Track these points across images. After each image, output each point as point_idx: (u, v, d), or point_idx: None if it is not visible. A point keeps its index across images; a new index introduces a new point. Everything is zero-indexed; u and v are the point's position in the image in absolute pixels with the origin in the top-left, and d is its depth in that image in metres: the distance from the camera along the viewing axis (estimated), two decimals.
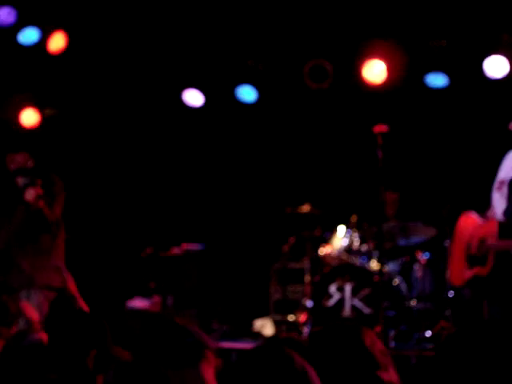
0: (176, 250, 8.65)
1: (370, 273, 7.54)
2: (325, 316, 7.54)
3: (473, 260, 5.09)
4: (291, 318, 8.29)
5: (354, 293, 7.55)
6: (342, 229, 7.98)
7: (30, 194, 5.48)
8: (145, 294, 8.37)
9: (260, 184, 9.31)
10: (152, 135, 9.20)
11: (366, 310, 7.46)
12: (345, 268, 7.72)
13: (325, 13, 8.46)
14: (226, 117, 9.19)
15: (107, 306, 7.76)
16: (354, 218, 7.99)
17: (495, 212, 5.09)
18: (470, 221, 5.27)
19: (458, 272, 5.34)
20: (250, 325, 8.37)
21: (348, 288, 7.58)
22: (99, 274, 8.59)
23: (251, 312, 8.62)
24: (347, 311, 7.52)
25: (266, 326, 8.31)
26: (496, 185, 5.11)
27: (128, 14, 8.35)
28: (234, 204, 9.28)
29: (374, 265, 7.60)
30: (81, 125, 8.89)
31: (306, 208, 8.17)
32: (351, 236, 7.91)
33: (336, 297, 7.59)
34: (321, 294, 7.65)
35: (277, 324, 8.35)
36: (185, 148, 9.32)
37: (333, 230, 8.05)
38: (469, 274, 5.13)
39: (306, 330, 7.57)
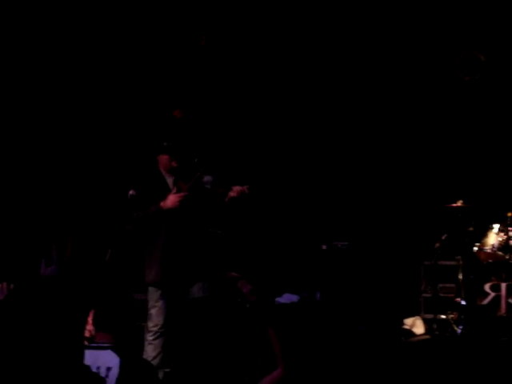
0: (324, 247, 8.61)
1: None
2: (479, 315, 7.30)
3: None
4: (443, 316, 8.05)
5: (511, 292, 7.26)
6: (497, 225, 7.68)
7: None
8: (294, 291, 8.38)
9: (412, 180, 9.14)
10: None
11: None
12: (500, 266, 7.43)
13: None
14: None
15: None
16: (510, 214, 7.68)
17: None
18: None
19: None
20: (401, 323, 8.20)
21: (504, 286, 7.29)
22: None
23: (402, 310, 8.44)
24: (503, 310, 7.23)
25: (416, 325, 8.12)
26: None
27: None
28: (385, 200, 9.14)
29: None
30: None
31: (459, 204, 7.92)
32: (507, 233, 7.60)
33: (491, 295, 7.32)
34: (475, 293, 7.40)
35: (427, 322, 8.14)
36: (332, 144, 9.28)
37: (488, 227, 7.77)
38: None
39: (458, 329, 7.32)
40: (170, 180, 6.12)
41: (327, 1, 9.07)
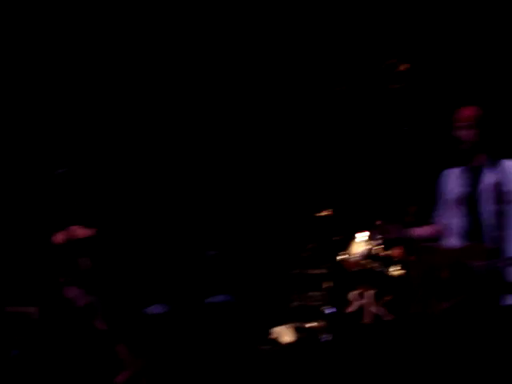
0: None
1: (392, 279, 7.37)
2: (345, 323, 7.38)
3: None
4: (310, 325, 8.11)
5: (375, 299, 7.38)
6: (362, 235, 7.81)
7: None
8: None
9: (280, 189, 9.19)
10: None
11: (388, 317, 7.27)
12: (366, 274, 7.55)
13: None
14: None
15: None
16: (376, 224, 7.80)
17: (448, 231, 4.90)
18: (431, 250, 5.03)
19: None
20: (269, 332, 8.22)
21: (368, 295, 7.40)
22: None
23: (270, 319, 8.46)
24: (368, 318, 7.34)
25: (284, 333, 8.15)
26: (449, 203, 4.93)
27: None
28: (253, 209, 9.15)
29: (396, 271, 7.42)
30: None
31: (326, 213, 8.02)
32: (373, 242, 7.74)
33: (356, 303, 7.42)
34: (341, 301, 7.49)
35: (295, 331, 8.18)
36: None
37: (354, 236, 7.89)
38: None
39: (324, 337, 7.38)
40: None
41: None
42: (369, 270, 7.58)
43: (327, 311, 7.53)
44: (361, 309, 7.40)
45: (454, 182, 5.01)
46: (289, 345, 8.01)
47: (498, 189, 4.79)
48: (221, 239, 8.85)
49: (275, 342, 7.99)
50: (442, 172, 5.16)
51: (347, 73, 8.93)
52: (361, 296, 7.40)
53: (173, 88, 8.92)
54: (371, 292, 7.40)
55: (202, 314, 7.83)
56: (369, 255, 7.68)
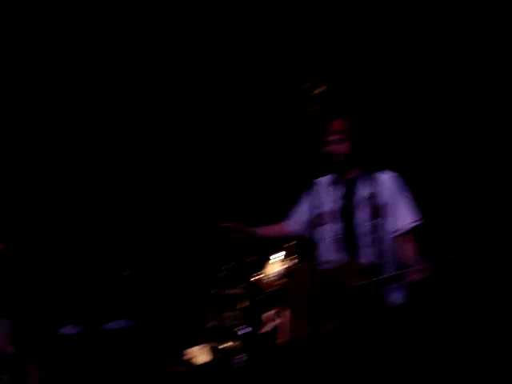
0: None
1: None
2: (260, 343, 7.39)
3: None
4: (226, 345, 8.10)
5: (290, 320, 7.38)
6: (278, 255, 7.85)
7: None
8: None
9: (199, 208, 9.17)
10: None
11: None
12: (281, 294, 7.56)
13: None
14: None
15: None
16: (291, 244, 7.86)
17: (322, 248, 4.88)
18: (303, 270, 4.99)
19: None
20: (185, 353, 8.17)
21: (283, 315, 7.41)
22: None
23: (185, 340, 8.42)
24: (283, 338, 7.34)
25: (200, 354, 8.12)
26: (323, 216, 4.89)
27: None
28: (167, 230, 9.11)
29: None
30: None
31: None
32: (287, 262, 7.77)
33: (271, 324, 7.43)
34: (256, 321, 7.49)
35: (211, 352, 8.16)
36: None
37: (269, 256, 7.92)
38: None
39: (239, 357, 7.37)
40: None
41: None
42: (284, 290, 7.60)
43: (242, 331, 7.53)
44: (276, 329, 7.42)
45: (326, 194, 4.96)
46: (203, 365, 7.99)
47: (373, 202, 4.76)
48: (135, 260, 8.77)
49: (190, 363, 7.94)
50: (312, 181, 5.12)
51: (263, 95, 9.00)
52: (276, 316, 7.42)
53: None
54: (286, 312, 7.43)
55: (105, 338, 7.74)
56: (284, 275, 7.72)
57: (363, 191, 4.76)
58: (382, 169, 4.88)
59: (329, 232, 4.83)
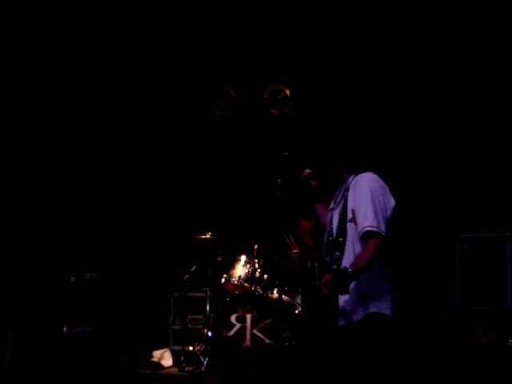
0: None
1: (271, 302, 7.42)
2: (225, 346, 7.37)
3: None
4: (191, 348, 8.09)
5: (255, 323, 7.40)
6: (243, 257, 7.85)
7: None
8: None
9: (161, 211, 9.15)
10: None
11: (267, 341, 7.31)
12: (246, 297, 7.57)
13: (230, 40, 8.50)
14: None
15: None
16: (256, 247, 7.88)
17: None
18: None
19: None
20: (150, 356, 8.14)
21: (249, 318, 7.43)
22: None
23: (150, 342, 8.40)
24: (248, 341, 7.36)
25: (164, 357, 8.10)
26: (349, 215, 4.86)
27: None
28: (134, 232, 9.08)
29: (276, 294, 7.48)
30: None
31: (207, 235, 8.02)
32: (253, 264, 7.78)
33: (236, 326, 7.43)
34: (221, 324, 7.47)
35: (176, 354, 8.15)
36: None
37: (235, 259, 7.91)
38: None
39: (205, 361, 7.36)
40: None
41: None
42: (249, 293, 7.62)
43: (208, 334, 7.52)
44: (241, 332, 7.42)
45: (333, 198, 5.03)
46: (169, 368, 7.97)
47: (345, 206, 4.78)
48: (99, 262, 8.72)
49: (156, 366, 7.92)
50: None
51: (231, 98, 9.01)
52: (241, 319, 7.43)
53: None
54: (251, 315, 7.44)
55: (66, 342, 7.69)
56: (250, 278, 7.73)
57: (343, 195, 4.80)
58: (373, 170, 4.80)
59: (324, 235, 4.90)
